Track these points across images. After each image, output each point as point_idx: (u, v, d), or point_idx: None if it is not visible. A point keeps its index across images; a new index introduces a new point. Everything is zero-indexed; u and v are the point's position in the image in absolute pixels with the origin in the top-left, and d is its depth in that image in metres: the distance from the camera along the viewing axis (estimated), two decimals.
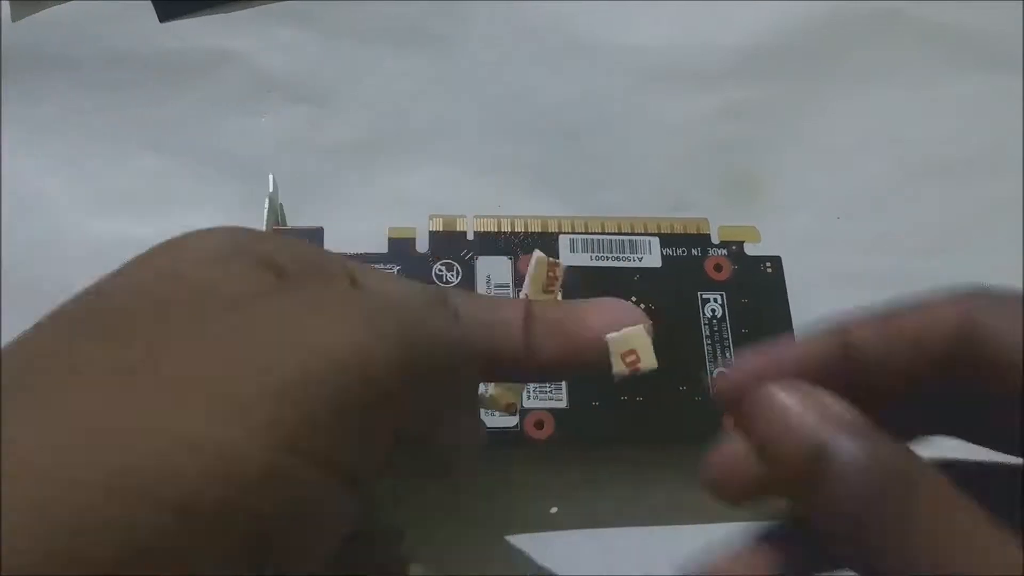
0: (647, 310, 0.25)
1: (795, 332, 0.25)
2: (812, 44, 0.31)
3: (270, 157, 0.27)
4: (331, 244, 0.25)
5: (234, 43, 0.30)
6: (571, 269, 0.25)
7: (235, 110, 0.29)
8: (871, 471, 0.13)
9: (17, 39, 0.29)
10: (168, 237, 0.15)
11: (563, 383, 0.24)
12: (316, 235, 0.25)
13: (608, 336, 0.17)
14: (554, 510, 0.24)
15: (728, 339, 0.25)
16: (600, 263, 0.26)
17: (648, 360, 0.17)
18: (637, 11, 0.31)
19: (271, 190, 0.25)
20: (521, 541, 0.24)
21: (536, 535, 0.24)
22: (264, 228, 0.25)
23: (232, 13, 0.30)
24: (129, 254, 0.15)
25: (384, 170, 0.29)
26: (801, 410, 0.14)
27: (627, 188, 0.29)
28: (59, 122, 0.28)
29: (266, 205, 0.25)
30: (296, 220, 0.27)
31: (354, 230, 0.26)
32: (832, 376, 0.15)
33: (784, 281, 0.26)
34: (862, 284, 0.23)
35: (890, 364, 0.15)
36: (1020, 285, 0.15)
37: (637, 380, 0.23)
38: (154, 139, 0.28)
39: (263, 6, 0.30)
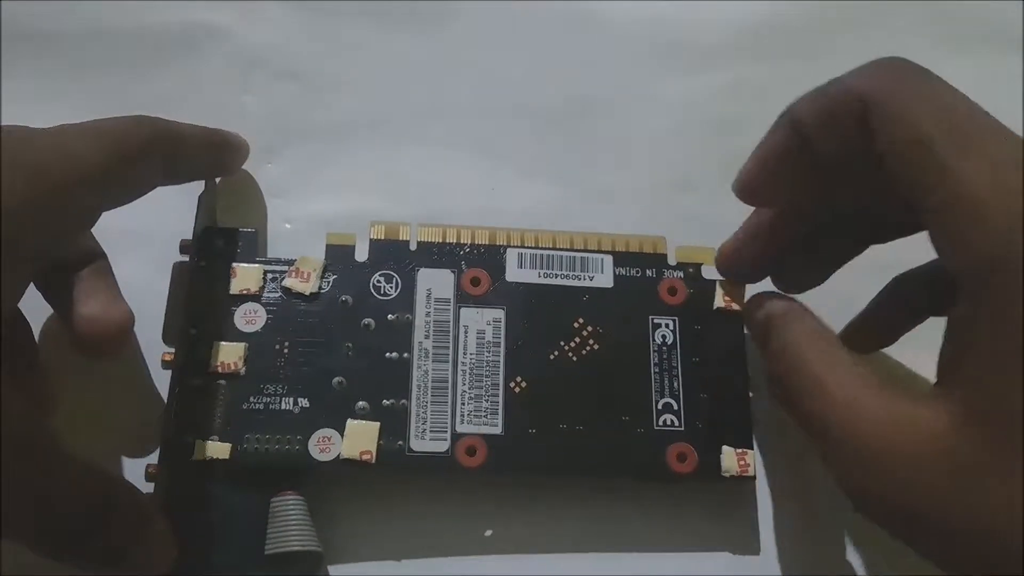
0: (593, 333, 0.24)
1: (748, 359, 0.24)
2: (814, 23, 0.31)
3: (255, 135, 0.26)
4: (299, 232, 0.26)
5: (217, 18, 0.29)
6: (517, 286, 0.24)
7: (219, 87, 0.28)
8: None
9: None
10: (150, 217, 0.22)
11: (499, 409, 0.23)
12: (249, 237, 0.24)
13: (718, 280, 0.24)
14: (489, 532, 0.23)
15: (677, 368, 0.23)
16: (549, 280, 0.24)
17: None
18: None
19: (204, 191, 0.24)
20: (456, 563, 0.23)
21: (470, 558, 0.23)
22: (194, 228, 0.23)
23: None
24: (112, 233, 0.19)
25: (374, 151, 0.28)
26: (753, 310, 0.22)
27: (627, 168, 0.28)
28: (40, 99, 0.27)
29: (197, 204, 0.23)
30: (282, 197, 0.27)
31: (337, 212, 0.26)
32: (789, 159, 0.20)
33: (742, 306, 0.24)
34: (864, 265, 0.23)
35: (826, 131, 0.19)
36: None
37: (577, 408, 0.22)
38: None
39: None
